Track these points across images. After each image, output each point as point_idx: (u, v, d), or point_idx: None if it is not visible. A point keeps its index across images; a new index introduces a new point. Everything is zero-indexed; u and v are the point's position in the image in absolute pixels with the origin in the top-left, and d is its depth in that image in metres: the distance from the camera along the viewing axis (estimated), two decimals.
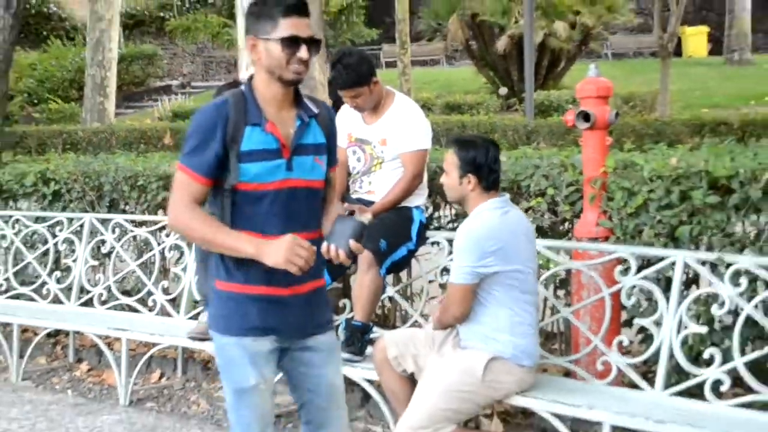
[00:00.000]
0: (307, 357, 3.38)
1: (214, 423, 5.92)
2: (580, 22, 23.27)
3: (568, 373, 5.13)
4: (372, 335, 5.47)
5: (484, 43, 23.21)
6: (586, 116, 5.35)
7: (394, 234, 5.43)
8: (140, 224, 7.04)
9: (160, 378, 6.79)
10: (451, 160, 4.68)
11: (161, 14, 33.19)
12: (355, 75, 5.40)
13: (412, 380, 4.87)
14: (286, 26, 3.09)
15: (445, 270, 5.62)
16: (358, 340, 5.34)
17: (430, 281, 6.01)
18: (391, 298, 6.04)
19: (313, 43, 3.16)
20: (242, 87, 3.26)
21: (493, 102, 22.75)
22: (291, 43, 3.09)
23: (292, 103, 3.27)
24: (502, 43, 22.66)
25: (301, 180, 3.23)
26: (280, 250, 2.98)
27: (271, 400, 3.36)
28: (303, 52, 3.12)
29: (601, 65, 5.83)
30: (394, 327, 6.04)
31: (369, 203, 5.47)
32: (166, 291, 6.75)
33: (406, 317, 6.02)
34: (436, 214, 6.20)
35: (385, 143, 5.52)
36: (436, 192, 5.97)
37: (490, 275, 4.57)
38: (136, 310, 6.81)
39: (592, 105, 5.38)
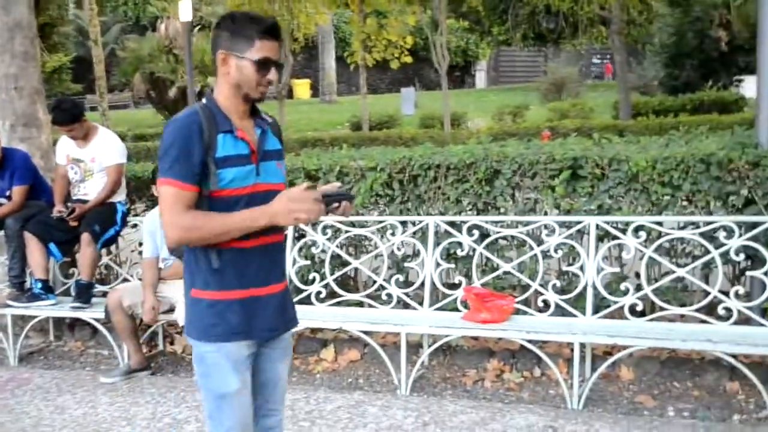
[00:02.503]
0: (269, 353, 2.57)
1: None
2: None
3: None
4: (93, 290, 5.41)
5: (159, 92, 22.72)
6: None
7: (104, 221, 5.37)
8: None
9: None
10: None
11: None
12: (70, 115, 5.26)
13: (133, 317, 4.94)
14: (262, 48, 2.38)
15: (140, 243, 5.65)
16: (84, 294, 5.28)
17: (132, 251, 6.03)
18: (107, 265, 6.00)
19: (279, 66, 2.46)
20: (204, 100, 2.50)
21: None
22: (264, 65, 2.39)
23: (249, 114, 2.51)
24: (173, 92, 22.38)
25: (268, 184, 2.45)
26: (285, 211, 2.27)
27: (250, 402, 2.51)
28: (272, 74, 2.43)
29: None
30: (109, 283, 5.92)
31: (86, 202, 5.37)
32: None
33: (117, 275, 5.93)
34: (133, 207, 6.07)
35: (93, 161, 5.39)
36: (132, 191, 5.95)
37: None
38: None
39: None
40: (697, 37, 24.62)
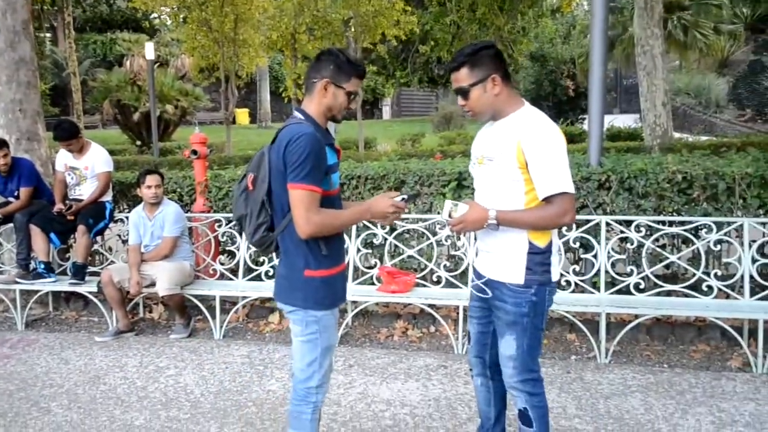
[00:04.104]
0: None
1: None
2: (180, 105, 22.91)
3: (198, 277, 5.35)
4: (86, 270, 5.41)
5: (125, 116, 22.07)
6: (195, 152, 5.73)
7: (96, 216, 5.41)
8: None
9: None
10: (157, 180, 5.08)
11: None
12: (69, 133, 5.30)
13: (121, 290, 4.99)
14: (355, 84, 2.43)
15: (126, 234, 5.74)
16: (80, 273, 5.31)
17: (117, 241, 6.03)
18: (96, 251, 5.96)
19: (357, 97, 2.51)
20: (300, 116, 2.44)
21: (133, 148, 21.80)
22: (353, 96, 2.45)
23: None
24: (136, 116, 21.71)
25: (339, 186, 2.55)
26: (383, 212, 2.43)
27: None
28: (354, 103, 2.52)
29: (194, 130, 6.11)
30: (99, 264, 5.95)
31: (81, 201, 5.41)
32: None
33: (105, 259, 5.95)
34: (117, 206, 6.04)
35: (87, 169, 5.42)
36: (117, 193, 6.02)
37: None
38: None
39: (198, 146, 5.75)
40: (552, 85, 25.83)
